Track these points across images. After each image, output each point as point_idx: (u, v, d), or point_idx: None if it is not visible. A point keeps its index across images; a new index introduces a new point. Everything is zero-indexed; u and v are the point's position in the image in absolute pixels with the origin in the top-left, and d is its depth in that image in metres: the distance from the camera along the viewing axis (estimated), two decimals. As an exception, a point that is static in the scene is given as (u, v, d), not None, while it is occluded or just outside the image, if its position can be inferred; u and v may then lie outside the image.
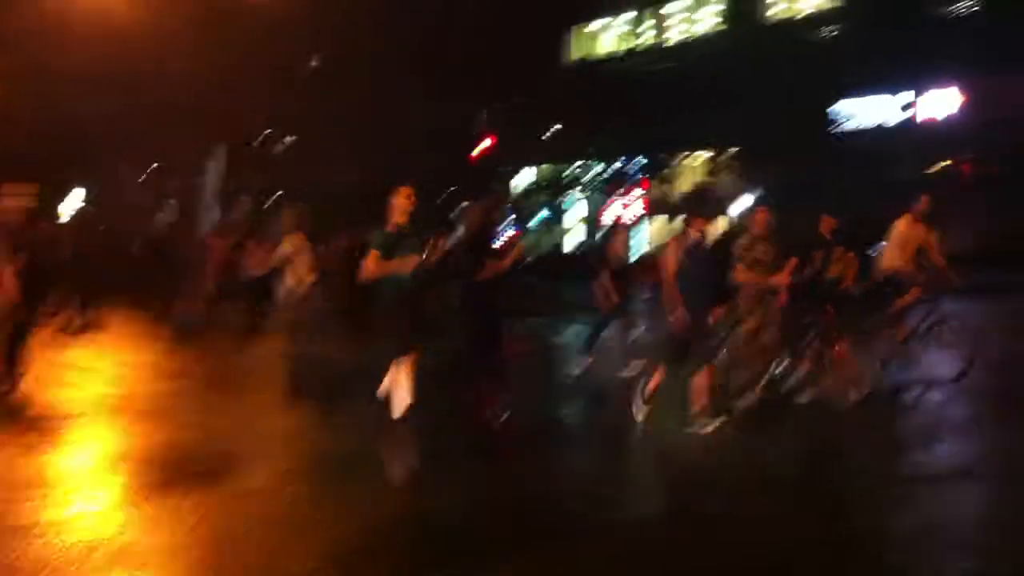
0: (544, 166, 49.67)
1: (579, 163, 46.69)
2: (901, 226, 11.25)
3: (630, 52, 49.98)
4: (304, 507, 6.55)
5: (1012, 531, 6.06)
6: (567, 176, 47.63)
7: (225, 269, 16.41)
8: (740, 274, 9.58)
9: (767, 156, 38.55)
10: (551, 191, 48.54)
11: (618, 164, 45.34)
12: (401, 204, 8.95)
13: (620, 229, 13.31)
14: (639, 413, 9.01)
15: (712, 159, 42.59)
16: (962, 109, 35.96)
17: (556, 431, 9.58)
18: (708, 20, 46.01)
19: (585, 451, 8.81)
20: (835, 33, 39.37)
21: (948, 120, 36.21)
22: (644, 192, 47.19)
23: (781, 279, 9.60)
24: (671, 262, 8.95)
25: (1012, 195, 34.49)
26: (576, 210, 51.13)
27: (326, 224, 18.21)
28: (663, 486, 7.36)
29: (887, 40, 34.54)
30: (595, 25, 52.35)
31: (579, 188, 47.68)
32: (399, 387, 8.69)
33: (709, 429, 8.63)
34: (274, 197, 38.67)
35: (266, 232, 16.97)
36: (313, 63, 45.17)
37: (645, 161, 44.68)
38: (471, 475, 7.54)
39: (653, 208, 47.61)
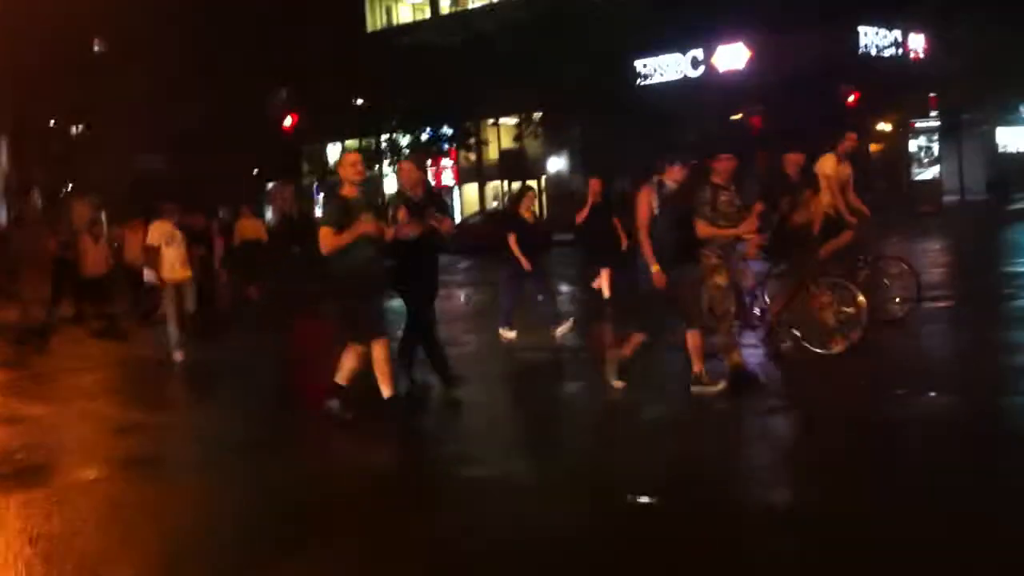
0: (350, 141, 48.98)
1: (385, 136, 46.24)
2: (828, 167, 10.56)
3: (427, 20, 49.72)
4: (133, 505, 6.26)
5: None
6: (374, 149, 47.10)
7: (59, 270, 15.28)
8: (702, 229, 8.38)
9: (571, 118, 39.26)
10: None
11: (424, 135, 45.16)
12: (348, 174, 7.97)
13: (527, 192, 12.25)
14: (615, 384, 8.32)
15: (517, 125, 43.00)
16: (749, 64, 37.51)
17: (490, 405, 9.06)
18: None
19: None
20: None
21: (736, 75, 37.67)
22: (452, 161, 47.26)
23: (747, 228, 8.59)
24: (644, 214, 8.08)
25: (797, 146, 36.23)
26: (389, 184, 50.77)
27: (133, 212, 17.46)
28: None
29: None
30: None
31: (387, 161, 47.25)
32: (381, 376, 7.82)
33: (714, 390, 8.05)
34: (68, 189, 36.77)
35: (97, 226, 16.02)
36: (97, 48, 43.07)
37: (451, 130, 44.66)
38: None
39: (462, 177, 47.79)
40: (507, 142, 44.56)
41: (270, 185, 39.05)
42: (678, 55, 39.42)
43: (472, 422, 8.33)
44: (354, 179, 7.95)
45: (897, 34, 38.21)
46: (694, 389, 8.12)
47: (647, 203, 8.08)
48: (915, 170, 41.86)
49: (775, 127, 37.12)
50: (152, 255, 11.75)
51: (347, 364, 7.88)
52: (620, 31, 36.19)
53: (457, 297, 16.86)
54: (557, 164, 44.43)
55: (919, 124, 40.41)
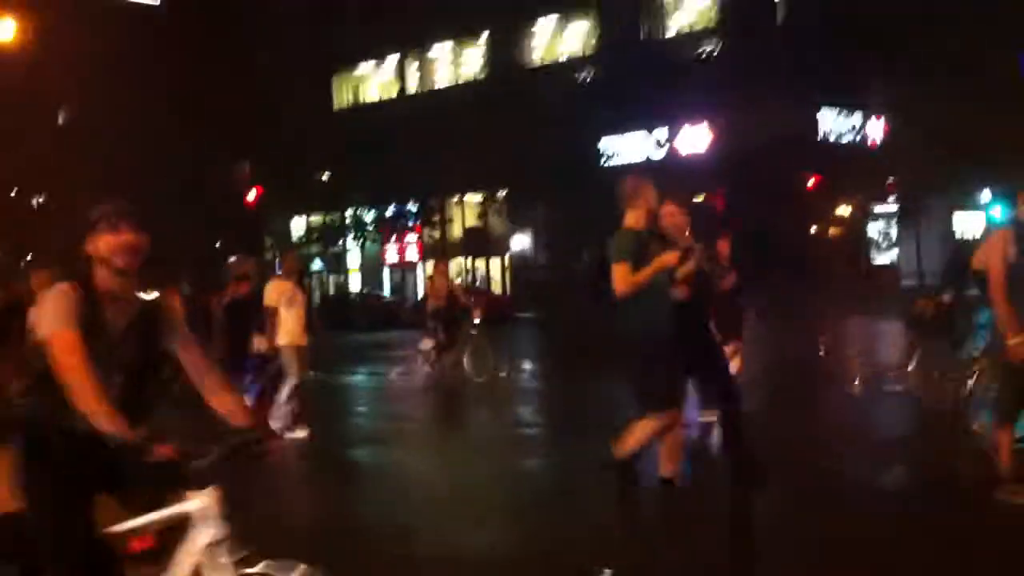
0: (315, 216, 49.02)
1: (350, 211, 46.34)
2: None
3: (395, 97, 50.21)
4: None
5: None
6: (340, 224, 47.12)
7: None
8: None
9: (536, 196, 39.50)
10: (324, 240, 47.92)
11: (390, 210, 45.28)
12: (646, 202, 6.47)
13: (723, 235, 9.96)
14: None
15: (482, 201, 43.23)
16: (711, 146, 38.03)
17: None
18: (472, 64, 46.86)
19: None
20: (591, 77, 40.94)
21: (699, 156, 38.15)
22: (418, 236, 47.32)
23: None
24: (998, 263, 6.23)
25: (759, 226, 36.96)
26: (351, 257, 50.77)
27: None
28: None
29: (640, 81, 36.18)
30: (359, 71, 52.30)
31: (352, 235, 47.28)
32: (666, 452, 6.34)
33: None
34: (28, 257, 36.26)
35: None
36: (61, 117, 42.98)
37: (416, 206, 44.82)
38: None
39: (426, 253, 47.81)
40: (471, 219, 44.72)
41: (231, 259, 38.91)
42: (643, 135, 39.90)
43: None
44: (650, 206, 6.51)
45: (857, 119, 39.00)
46: (1001, 495, 6.28)
47: (1002, 249, 6.28)
48: (873, 254, 42.42)
49: (738, 208, 37.79)
50: (270, 318, 10.29)
51: (638, 435, 6.40)
52: (584, 112, 36.70)
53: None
54: (521, 242, 44.61)
55: (877, 209, 41.06)
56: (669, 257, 6.19)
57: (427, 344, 15.73)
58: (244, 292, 11.31)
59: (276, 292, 10.45)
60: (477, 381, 14.93)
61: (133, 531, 3.59)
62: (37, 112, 36.74)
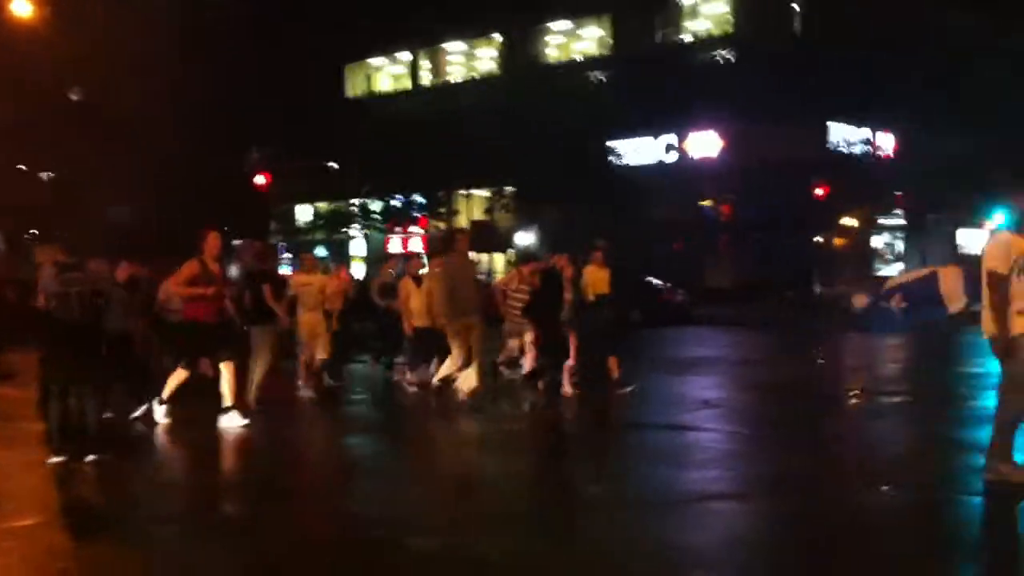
0: (321, 204, 49.07)
1: (357, 201, 46.37)
2: None
3: (408, 90, 50.32)
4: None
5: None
6: (345, 213, 47.16)
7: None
8: None
9: (543, 194, 39.54)
10: (329, 229, 47.95)
11: (396, 202, 45.31)
12: None
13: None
14: None
15: (489, 197, 43.23)
16: (721, 152, 38.05)
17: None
18: (485, 61, 46.96)
19: None
20: (603, 78, 41.01)
21: (709, 162, 38.18)
22: (422, 230, 47.36)
23: None
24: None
25: (765, 236, 37.03)
26: (355, 246, 50.80)
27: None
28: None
29: (651, 85, 36.24)
30: (372, 63, 52.41)
31: (357, 226, 47.31)
32: None
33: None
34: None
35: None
36: (74, 96, 43.01)
37: (423, 199, 44.83)
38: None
39: (431, 245, 47.82)
40: (478, 213, 44.75)
41: (237, 242, 39.03)
42: (650, 139, 39.95)
43: None
44: None
45: (867, 132, 38.97)
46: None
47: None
48: (877, 266, 42.41)
49: (745, 215, 37.87)
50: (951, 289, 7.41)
51: None
52: (594, 113, 36.72)
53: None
54: (526, 238, 44.61)
55: (884, 221, 41.05)
56: None
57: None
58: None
59: (1005, 252, 6.98)
60: None
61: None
62: (50, 90, 36.79)
